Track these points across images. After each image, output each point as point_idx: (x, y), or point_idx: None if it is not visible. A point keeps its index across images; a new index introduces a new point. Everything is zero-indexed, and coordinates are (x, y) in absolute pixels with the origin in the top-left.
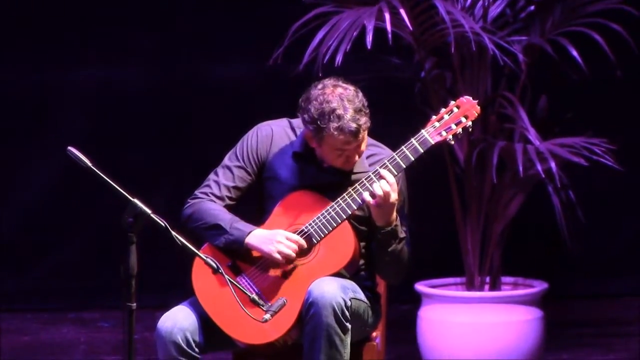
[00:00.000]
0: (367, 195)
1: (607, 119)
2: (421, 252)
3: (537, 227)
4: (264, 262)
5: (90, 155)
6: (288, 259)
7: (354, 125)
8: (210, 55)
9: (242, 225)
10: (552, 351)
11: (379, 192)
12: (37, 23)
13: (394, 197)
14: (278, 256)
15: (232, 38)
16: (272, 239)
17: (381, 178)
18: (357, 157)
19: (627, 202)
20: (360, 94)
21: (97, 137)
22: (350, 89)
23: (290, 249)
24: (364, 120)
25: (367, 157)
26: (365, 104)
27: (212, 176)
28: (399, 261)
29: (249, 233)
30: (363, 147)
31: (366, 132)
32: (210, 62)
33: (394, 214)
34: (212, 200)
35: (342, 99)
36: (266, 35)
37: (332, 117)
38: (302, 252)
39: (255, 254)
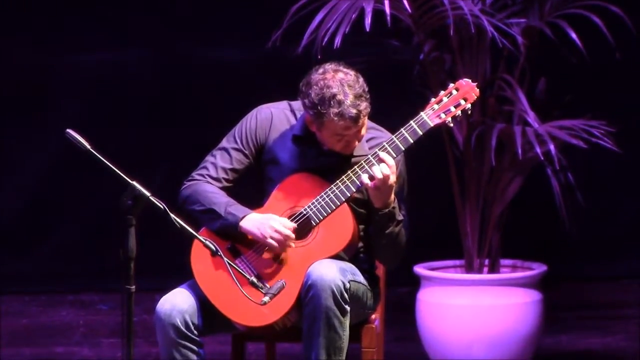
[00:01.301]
0: (365, 178)
1: (606, 102)
2: (420, 235)
3: (536, 209)
4: (262, 244)
5: (88, 138)
6: (281, 244)
7: (354, 111)
8: (209, 37)
9: (236, 209)
10: (550, 334)
11: (377, 174)
12: (36, 6)
13: (392, 179)
14: (271, 241)
15: (231, 20)
16: (265, 223)
17: (380, 160)
18: (356, 142)
19: (627, 184)
20: (361, 79)
21: (96, 119)
22: (351, 74)
23: (282, 234)
24: (364, 106)
25: (367, 141)
26: (366, 89)
27: (209, 158)
28: (396, 244)
29: (242, 217)
30: (363, 132)
31: (366, 118)
32: (209, 44)
33: (392, 196)
34: (208, 182)
35: (342, 85)
36: (265, 17)
37: (332, 102)
38: (300, 235)
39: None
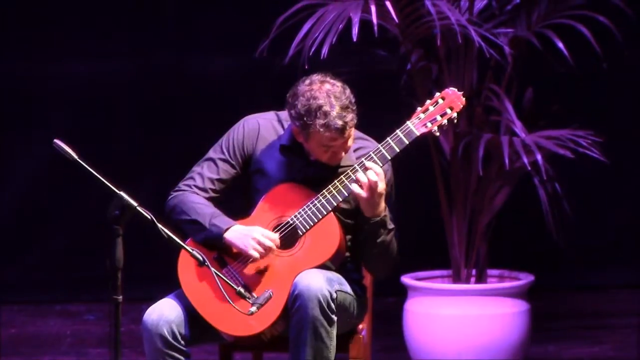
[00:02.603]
0: (355, 187)
1: (593, 111)
2: (407, 245)
3: (523, 219)
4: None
5: (76, 147)
6: (263, 255)
7: (340, 122)
8: (196, 47)
9: (220, 221)
10: (538, 343)
11: (364, 181)
12: (24, 15)
13: (382, 186)
14: (254, 252)
15: (218, 30)
16: (248, 235)
17: (367, 169)
18: (343, 153)
19: (613, 194)
20: (348, 91)
21: (84, 128)
22: (338, 85)
23: (264, 246)
24: (350, 117)
25: (355, 151)
26: (353, 100)
27: (196, 168)
28: (387, 253)
29: (226, 229)
30: (350, 142)
31: (353, 129)
32: (196, 54)
33: (383, 204)
34: (195, 193)
35: (329, 96)
36: (252, 27)
37: (318, 114)
38: (287, 244)
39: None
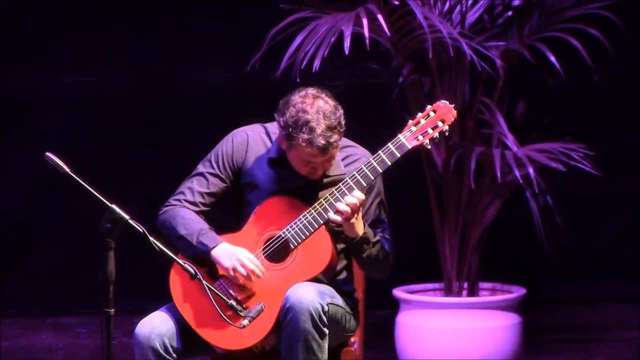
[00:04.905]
0: (332, 215)
1: (585, 124)
2: (399, 258)
3: (515, 232)
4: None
5: (69, 159)
6: (245, 279)
7: (323, 141)
8: (189, 60)
9: (207, 238)
10: (530, 356)
11: (347, 210)
12: (18, 26)
13: (358, 210)
14: (232, 273)
15: (211, 43)
16: (233, 256)
17: (349, 195)
18: (322, 171)
19: (605, 207)
20: (340, 112)
21: (77, 140)
22: (331, 103)
23: (248, 270)
24: (335, 138)
25: (343, 159)
26: (342, 122)
27: (186, 183)
28: (377, 262)
29: (212, 248)
30: (332, 162)
31: (336, 150)
32: (189, 67)
33: (361, 221)
34: (185, 207)
35: (318, 112)
36: (244, 40)
37: (304, 128)
38: (279, 258)
39: None
